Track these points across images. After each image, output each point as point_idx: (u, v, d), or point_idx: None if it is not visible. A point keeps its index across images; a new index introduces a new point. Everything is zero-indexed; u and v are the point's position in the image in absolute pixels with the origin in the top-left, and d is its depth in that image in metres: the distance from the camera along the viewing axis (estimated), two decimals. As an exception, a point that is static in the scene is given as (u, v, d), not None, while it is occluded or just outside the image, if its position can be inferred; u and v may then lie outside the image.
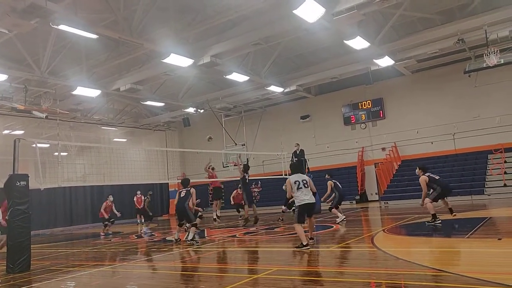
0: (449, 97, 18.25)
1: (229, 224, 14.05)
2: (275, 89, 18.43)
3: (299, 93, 20.30)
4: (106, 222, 14.92)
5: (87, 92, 15.82)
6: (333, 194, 11.08)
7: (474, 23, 13.03)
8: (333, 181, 11.02)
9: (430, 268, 4.84)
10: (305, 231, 7.19)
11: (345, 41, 13.04)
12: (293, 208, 12.17)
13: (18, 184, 7.43)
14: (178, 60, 13.17)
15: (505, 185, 14.96)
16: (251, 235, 10.43)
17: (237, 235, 10.70)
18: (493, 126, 17.08)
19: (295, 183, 7.06)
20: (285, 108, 22.57)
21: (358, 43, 13.11)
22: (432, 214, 8.48)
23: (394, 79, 19.18)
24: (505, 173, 15.44)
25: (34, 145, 8.60)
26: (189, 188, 9.28)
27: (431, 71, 18.58)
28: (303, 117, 22.22)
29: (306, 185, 7.07)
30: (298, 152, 14.83)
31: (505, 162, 16.02)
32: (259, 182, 22.82)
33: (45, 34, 12.33)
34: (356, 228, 9.84)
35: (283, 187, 11.51)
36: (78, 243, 13.39)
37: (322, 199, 11.84)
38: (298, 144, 15.01)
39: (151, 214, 15.61)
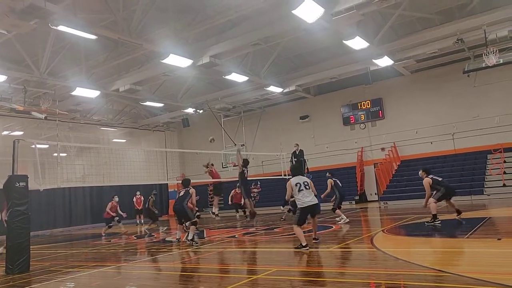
0: (448, 97, 18.26)
1: (228, 224, 14.05)
2: (274, 89, 18.43)
3: (298, 93, 20.30)
4: (110, 224, 14.88)
5: (86, 92, 15.80)
6: (334, 195, 11.07)
7: (473, 23, 13.04)
8: (334, 179, 11.01)
9: (430, 269, 4.84)
10: (304, 232, 7.18)
11: (344, 41, 13.04)
12: (289, 208, 12.17)
13: (18, 185, 7.43)
14: (177, 61, 13.17)
15: (504, 185, 14.97)
16: (251, 236, 10.43)
17: (236, 236, 10.70)
18: (492, 126, 17.09)
19: (296, 185, 7.07)
20: (284, 109, 22.58)
21: (357, 43, 13.12)
22: (433, 214, 8.50)
23: (393, 79, 19.19)
24: (505, 173, 15.45)
25: (33, 146, 8.59)
26: (188, 188, 9.27)
27: (430, 71, 18.59)
28: (302, 117, 22.23)
29: (307, 187, 7.09)
30: (297, 153, 14.83)
31: (505, 162, 16.03)
32: (259, 183, 22.82)
33: (44, 34, 12.32)
34: (356, 229, 9.83)
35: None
36: (77, 244, 13.38)
37: (322, 196, 11.82)
38: (297, 145, 15.01)
39: (157, 213, 15.55)
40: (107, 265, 7.56)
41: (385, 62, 15.66)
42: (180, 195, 9.27)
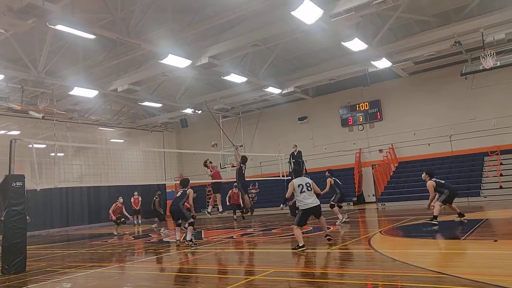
0: (446, 99, 18.33)
1: (225, 225, 14.04)
2: (273, 90, 18.44)
3: (297, 95, 20.32)
4: (119, 221, 14.76)
5: (84, 92, 15.76)
6: (335, 193, 11.07)
7: (470, 25, 13.10)
8: (333, 178, 11.02)
9: (427, 270, 4.85)
10: (303, 232, 7.19)
11: (342, 43, 13.07)
12: (287, 204, 12.13)
13: (14, 184, 7.39)
14: (176, 61, 13.16)
15: (501, 187, 15.03)
16: (248, 237, 10.42)
17: (234, 237, 10.69)
18: (490, 128, 17.16)
19: (298, 186, 7.18)
20: (283, 110, 22.60)
21: (356, 44, 13.15)
22: (434, 216, 8.52)
23: (391, 81, 19.25)
24: (501, 175, 15.51)
25: (30, 146, 8.56)
26: (186, 189, 9.24)
27: (428, 73, 18.65)
28: (300, 119, 22.25)
29: (309, 188, 7.19)
30: (295, 154, 14.83)
31: (501, 164, 16.10)
32: (257, 183, 22.82)
33: (42, 34, 12.28)
34: (353, 230, 9.85)
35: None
36: (74, 244, 13.33)
37: (321, 193, 11.80)
38: (296, 146, 15.01)
39: (162, 213, 15.47)
40: (104, 266, 7.53)
41: (383, 64, 15.71)
42: (177, 195, 9.25)
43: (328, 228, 9.94)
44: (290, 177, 14.99)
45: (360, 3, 10.42)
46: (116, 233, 14.43)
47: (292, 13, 10.02)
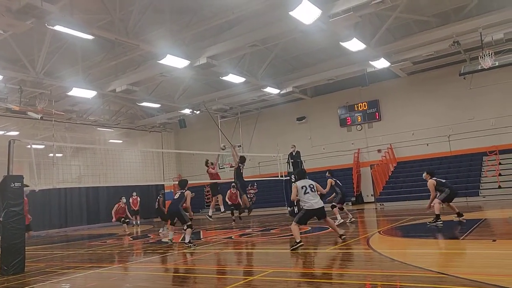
0: (445, 99, 18.36)
1: (224, 225, 14.03)
2: (271, 90, 18.45)
3: (295, 95, 20.33)
4: (128, 220, 14.64)
5: (82, 93, 15.74)
6: (333, 193, 11.08)
7: (469, 25, 13.13)
8: (334, 179, 11.03)
9: (426, 270, 4.86)
10: (301, 233, 7.19)
11: (341, 43, 13.08)
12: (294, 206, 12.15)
13: (13, 185, 7.38)
14: (174, 61, 13.15)
15: (499, 187, 15.06)
16: (247, 237, 10.42)
17: (232, 237, 10.69)
18: (488, 128, 17.20)
19: (302, 188, 7.24)
20: (281, 110, 22.61)
21: (354, 45, 13.16)
22: (436, 215, 8.57)
23: (390, 81, 19.27)
24: (500, 175, 15.55)
25: (29, 146, 8.54)
26: (184, 191, 9.21)
27: (427, 73, 18.69)
28: (299, 119, 22.26)
29: (313, 190, 7.25)
30: (294, 154, 14.83)
31: (500, 164, 16.14)
32: (255, 184, 22.82)
33: (41, 34, 12.26)
34: (352, 230, 9.85)
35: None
36: (73, 245, 13.30)
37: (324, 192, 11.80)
38: (294, 146, 15.01)
39: (166, 213, 15.45)
40: (103, 266, 7.53)
41: (381, 64, 15.73)
42: (175, 197, 9.21)
43: (327, 228, 9.94)
44: (288, 177, 15.02)
45: (358, 3, 10.43)
46: (127, 232, 14.34)
47: (291, 13, 10.03)
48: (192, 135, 25.20)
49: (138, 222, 18.98)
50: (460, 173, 16.80)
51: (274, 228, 11.51)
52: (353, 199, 19.30)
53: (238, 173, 12.04)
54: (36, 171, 8.40)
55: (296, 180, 7.76)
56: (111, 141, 26.91)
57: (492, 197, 14.77)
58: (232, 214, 14.56)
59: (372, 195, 19.83)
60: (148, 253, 9.21)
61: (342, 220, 10.75)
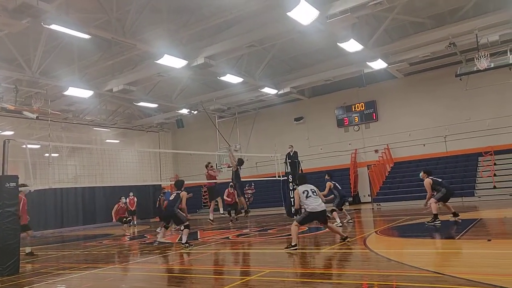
0: (441, 100, 18.46)
1: (222, 226, 14.01)
2: (269, 91, 18.46)
3: (293, 95, 20.35)
4: (129, 218, 14.53)
5: (79, 92, 15.66)
6: (332, 195, 11.08)
7: (465, 27, 13.21)
8: (333, 182, 11.03)
9: (422, 270, 4.87)
10: (299, 232, 7.19)
11: (338, 44, 13.11)
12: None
13: (8, 185, 7.33)
14: (172, 61, 13.12)
15: (494, 187, 15.15)
16: (244, 237, 10.41)
17: (230, 237, 10.67)
18: (484, 129, 17.31)
19: (303, 192, 7.20)
20: (279, 110, 22.62)
21: (352, 45, 13.20)
22: (434, 214, 8.61)
23: (387, 82, 19.34)
24: (495, 175, 15.65)
25: (24, 146, 8.49)
26: (179, 192, 9.17)
27: (423, 74, 18.77)
28: (296, 119, 22.28)
29: (314, 193, 7.21)
30: (291, 154, 14.85)
31: (495, 164, 16.24)
32: (253, 184, 22.81)
33: (37, 33, 12.20)
34: (349, 230, 9.86)
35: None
36: (69, 245, 13.23)
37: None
38: (291, 146, 15.03)
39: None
40: (99, 267, 7.49)
41: (379, 64, 15.78)
42: (171, 199, 9.17)
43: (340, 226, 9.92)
44: (285, 177, 15.03)
45: (355, 4, 10.47)
46: (127, 232, 14.24)
47: (288, 14, 10.04)
48: (190, 135, 25.15)
49: (135, 223, 18.90)
50: (456, 173, 16.89)
51: (271, 228, 11.50)
52: (350, 199, 19.30)
53: (236, 175, 12.07)
54: (31, 171, 8.34)
55: (297, 186, 7.74)
56: (107, 141, 26.81)
57: (487, 197, 14.86)
58: (230, 214, 14.55)
59: (369, 195, 19.88)
60: (145, 254, 9.17)
61: (341, 225, 10.75)
